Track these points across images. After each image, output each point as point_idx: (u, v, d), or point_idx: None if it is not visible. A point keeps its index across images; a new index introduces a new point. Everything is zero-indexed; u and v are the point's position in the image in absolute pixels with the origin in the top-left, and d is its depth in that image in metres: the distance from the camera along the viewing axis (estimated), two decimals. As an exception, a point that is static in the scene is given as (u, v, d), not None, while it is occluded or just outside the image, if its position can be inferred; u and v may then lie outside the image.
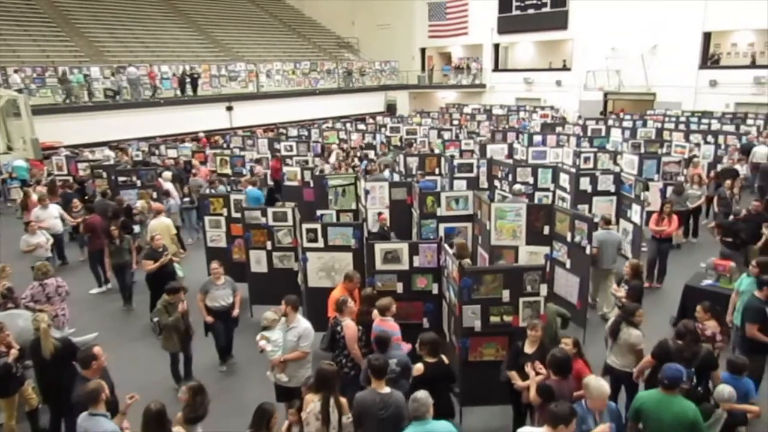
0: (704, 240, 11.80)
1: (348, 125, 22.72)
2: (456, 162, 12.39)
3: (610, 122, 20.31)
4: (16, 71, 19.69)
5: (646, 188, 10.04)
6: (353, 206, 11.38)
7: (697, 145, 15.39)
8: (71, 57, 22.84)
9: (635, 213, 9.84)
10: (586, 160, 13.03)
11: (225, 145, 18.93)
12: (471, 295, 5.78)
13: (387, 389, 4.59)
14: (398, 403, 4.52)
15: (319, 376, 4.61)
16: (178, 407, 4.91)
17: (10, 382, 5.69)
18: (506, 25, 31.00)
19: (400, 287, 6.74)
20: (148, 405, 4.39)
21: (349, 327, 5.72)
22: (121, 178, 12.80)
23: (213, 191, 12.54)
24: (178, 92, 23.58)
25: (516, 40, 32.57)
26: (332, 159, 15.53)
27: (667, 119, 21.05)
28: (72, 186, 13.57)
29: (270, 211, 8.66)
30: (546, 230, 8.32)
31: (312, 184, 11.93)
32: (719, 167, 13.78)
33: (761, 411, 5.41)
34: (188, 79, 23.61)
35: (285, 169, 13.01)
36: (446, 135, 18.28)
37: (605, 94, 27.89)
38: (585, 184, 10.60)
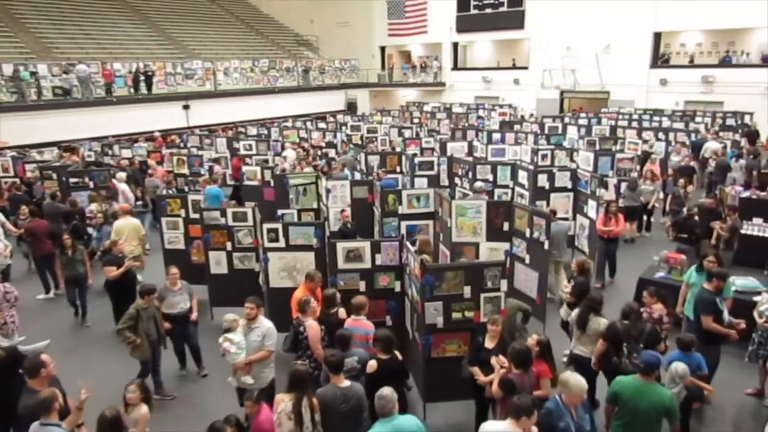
0: (656, 234, 12.20)
1: (308, 124, 22.55)
2: (417, 160, 12.45)
3: (567, 120, 20.78)
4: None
5: (605, 186, 10.31)
6: (314, 205, 11.31)
7: (647, 141, 15.90)
8: (16, 54, 21.90)
9: (591, 209, 10.08)
10: (544, 157, 13.31)
11: (182, 145, 18.53)
12: (433, 292, 5.81)
13: (347, 382, 4.69)
14: (359, 395, 4.65)
15: (293, 376, 4.60)
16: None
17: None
18: (464, 24, 31.33)
19: (362, 286, 6.73)
20: (103, 412, 4.28)
21: (312, 327, 5.68)
22: (72, 180, 12.37)
23: (171, 192, 12.28)
24: (132, 90, 22.92)
25: (474, 39, 32.96)
26: (288, 157, 15.27)
27: (620, 117, 21.66)
28: (20, 188, 13.03)
29: (229, 211, 8.53)
30: (506, 227, 8.45)
31: (272, 184, 11.79)
32: (669, 163, 14.25)
33: (714, 389, 5.73)
34: (142, 77, 22.98)
35: (245, 168, 12.82)
36: (407, 133, 18.37)
37: (561, 93, 28.52)
38: (543, 180, 10.81)
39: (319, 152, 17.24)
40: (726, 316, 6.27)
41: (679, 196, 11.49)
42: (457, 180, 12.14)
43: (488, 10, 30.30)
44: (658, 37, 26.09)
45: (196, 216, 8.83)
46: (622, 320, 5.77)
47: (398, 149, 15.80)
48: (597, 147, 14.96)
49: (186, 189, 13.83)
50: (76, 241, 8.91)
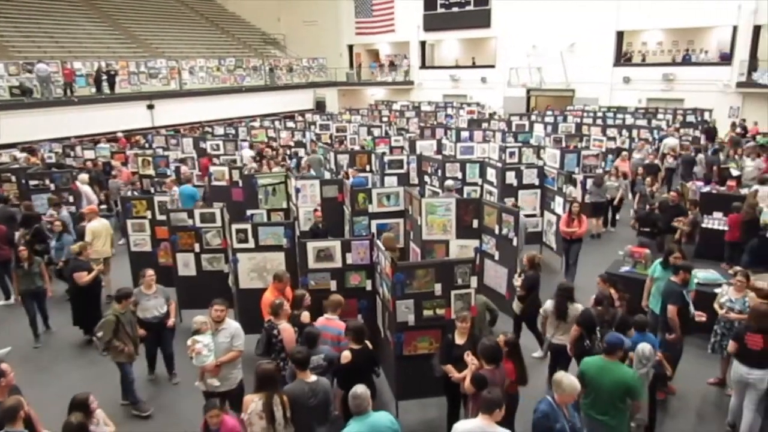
0: (621, 230, 12.47)
1: (277, 123, 22.35)
2: (386, 159, 12.46)
3: (533, 118, 21.08)
4: None
5: (573, 183, 10.49)
6: (284, 205, 11.23)
7: (613, 138, 16.25)
8: (-29, 52, 21.18)
9: (558, 205, 10.25)
10: (512, 154, 13.47)
11: (147, 145, 18.15)
12: (404, 290, 5.82)
13: (313, 377, 4.77)
14: (325, 389, 4.77)
15: (261, 375, 4.60)
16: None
17: None
18: (432, 23, 31.46)
19: (333, 285, 6.70)
20: (68, 418, 4.19)
21: (287, 330, 5.64)
22: (32, 182, 11.97)
23: (136, 193, 12.03)
24: (94, 90, 22.35)
25: (442, 38, 33.11)
26: (244, 157, 15.02)
27: (585, 114, 22.07)
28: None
29: (197, 212, 8.39)
30: (475, 224, 8.53)
31: (241, 184, 11.64)
32: (633, 160, 14.57)
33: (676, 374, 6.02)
34: (105, 77, 22.43)
35: (212, 168, 12.62)
36: (376, 132, 18.37)
37: (528, 91, 28.89)
38: (511, 178, 10.94)
39: (288, 152, 17.11)
40: (692, 308, 6.46)
41: (645, 194, 11.75)
42: (426, 178, 12.20)
43: (455, 9, 30.47)
44: (620, 36, 26.63)
45: (163, 218, 8.66)
46: (595, 306, 6.01)
47: (368, 148, 15.81)
48: (563, 144, 15.23)
49: (152, 190, 13.57)
50: (33, 254, 8.34)
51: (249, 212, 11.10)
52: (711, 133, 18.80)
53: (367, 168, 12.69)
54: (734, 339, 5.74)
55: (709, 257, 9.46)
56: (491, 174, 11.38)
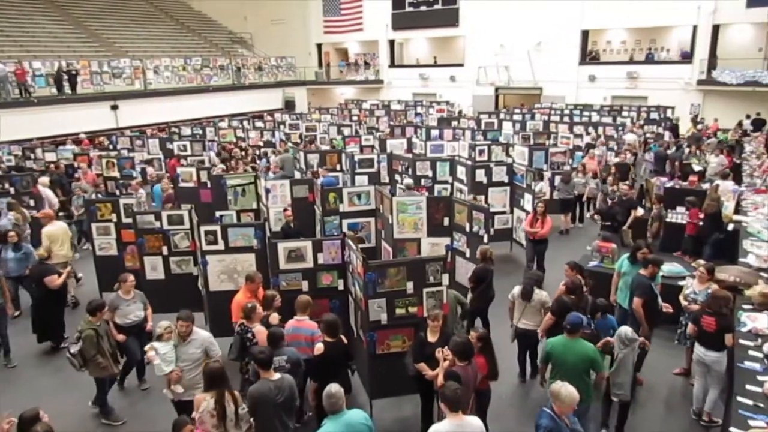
0: (589, 226, 12.69)
1: (245, 123, 22.09)
2: (357, 158, 12.43)
3: (502, 116, 21.30)
4: None
5: (541, 178, 10.63)
6: (254, 206, 11.09)
7: (579, 135, 16.52)
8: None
9: (527, 202, 10.38)
10: (481, 152, 13.58)
11: (111, 147, 17.73)
12: (376, 289, 5.81)
13: (277, 375, 4.79)
14: (291, 385, 4.81)
15: (210, 375, 4.66)
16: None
17: None
18: (400, 22, 31.54)
19: (305, 285, 6.65)
20: (35, 427, 4.10)
21: (261, 332, 5.57)
22: (-9, 186, 11.60)
23: (100, 195, 11.74)
24: (54, 90, 21.73)
25: (410, 37, 33.21)
26: (214, 155, 14.78)
27: (552, 112, 22.41)
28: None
29: (164, 214, 8.22)
30: (446, 222, 8.57)
31: (209, 185, 11.45)
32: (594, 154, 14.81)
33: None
34: (65, 77, 21.82)
35: (179, 169, 12.39)
36: (346, 131, 18.31)
37: (496, 89, 29.20)
38: (480, 175, 11.03)
39: (257, 152, 16.91)
40: (660, 300, 6.62)
41: (607, 193, 11.96)
42: (397, 177, 12.20)
43: (423, 8, 30.61)
44: (585, 34, 27.13)
45: (129, 220, 8.47)
46: (569, 295, 6.23)
47: (338, 147, 15.74)
48: (531, 142, 15.42)
49: (117, 192, 13.25)
50: None
51: (218, 213, 10.93)
52: (676, 130, 19.32)
53: (338, 167, 12.64)
54: (693, 321, 6.09)
55: (673, 251, 9.73)
56: (461, 172, 11.45)
